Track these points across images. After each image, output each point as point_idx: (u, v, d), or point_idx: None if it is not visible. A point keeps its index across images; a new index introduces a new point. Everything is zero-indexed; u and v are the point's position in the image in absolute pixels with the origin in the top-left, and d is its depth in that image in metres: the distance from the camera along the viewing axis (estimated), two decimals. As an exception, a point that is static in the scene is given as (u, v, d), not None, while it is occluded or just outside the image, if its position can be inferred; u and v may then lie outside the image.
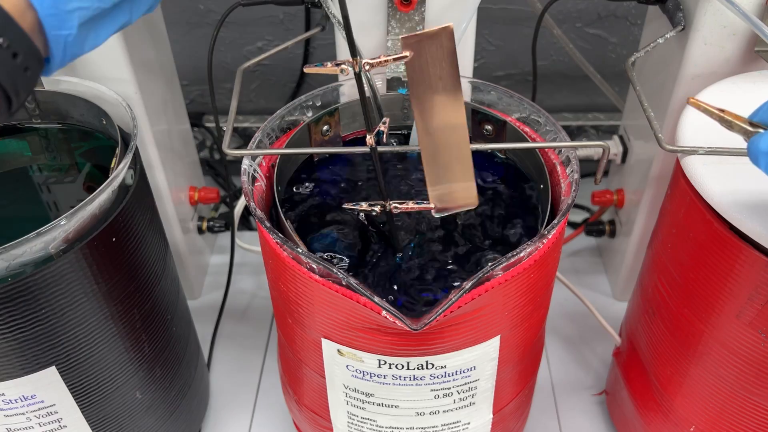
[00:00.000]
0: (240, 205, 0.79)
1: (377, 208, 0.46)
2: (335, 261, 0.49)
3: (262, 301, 0.85)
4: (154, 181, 0.72)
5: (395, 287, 0.47)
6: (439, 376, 0.48)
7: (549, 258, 0.47)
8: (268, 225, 0.44)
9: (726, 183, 0.45)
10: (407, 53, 0.40)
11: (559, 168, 0.51)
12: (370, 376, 0.48)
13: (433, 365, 0.47)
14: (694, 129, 0.50)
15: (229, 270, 0.80)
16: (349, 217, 0.52)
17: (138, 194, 0.52)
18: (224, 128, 0.49)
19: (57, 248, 0.45)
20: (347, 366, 0.48)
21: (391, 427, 0.52)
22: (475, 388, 0.50)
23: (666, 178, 0.67)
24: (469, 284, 0.40)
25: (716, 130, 0.50)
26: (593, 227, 0.85)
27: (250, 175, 0.49)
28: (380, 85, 0.59)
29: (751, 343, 0.47)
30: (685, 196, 0.49)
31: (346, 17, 0.39)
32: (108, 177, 0.47)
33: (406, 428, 0.52)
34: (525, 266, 0.44)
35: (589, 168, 0.96)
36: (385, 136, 0.45)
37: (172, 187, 0.75)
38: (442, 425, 0.52)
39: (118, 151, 0.51)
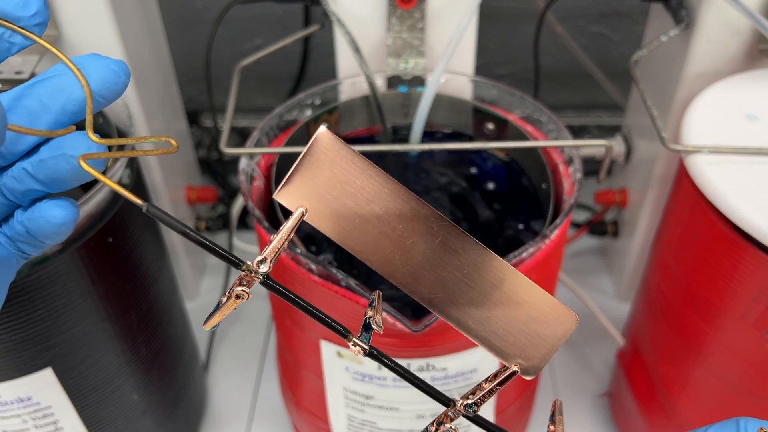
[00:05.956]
0: (238, 204, 0.79)
1: None
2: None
3: (261, 302, 0.85)
4: (151, 180, 0.71)
5: (395, 288, 0.47)
6: (440, 378, 0.47)
7: (551, 258, 0.46)
8: (267, 225, 0.44)
9: (730, 182, 0.45)
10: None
11: (561, 167, 0.50)
12: (370, 378, 0.48)
13: (433, 367, 0.46)
14: (699, 128, 0.49)
15: (227, 270, 0.79)
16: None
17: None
18: (222, 127, 0.48)
19: (53, 248, 0.44)
20: (347, 368, 0.48)
21: (391, 430, 0.52)
22: (477, 390, 0.50)
23: (670, 177, 0.66)
24: (471, 285, 0.39)
25: (721, 129, 0.49)
26: (596, 227, 0.85)
27: (248, 174, 0.49)
28: (380, 83, 0.58)
29: (756, 345, 0.47)
30: (689, 195, 0.49)
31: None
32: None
33: (407, 431, 0.52)
34: (527, 267, 0.43)
35: (592, 167, 0.95)
36: None
37: (169, 187, 0.74)
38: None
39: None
